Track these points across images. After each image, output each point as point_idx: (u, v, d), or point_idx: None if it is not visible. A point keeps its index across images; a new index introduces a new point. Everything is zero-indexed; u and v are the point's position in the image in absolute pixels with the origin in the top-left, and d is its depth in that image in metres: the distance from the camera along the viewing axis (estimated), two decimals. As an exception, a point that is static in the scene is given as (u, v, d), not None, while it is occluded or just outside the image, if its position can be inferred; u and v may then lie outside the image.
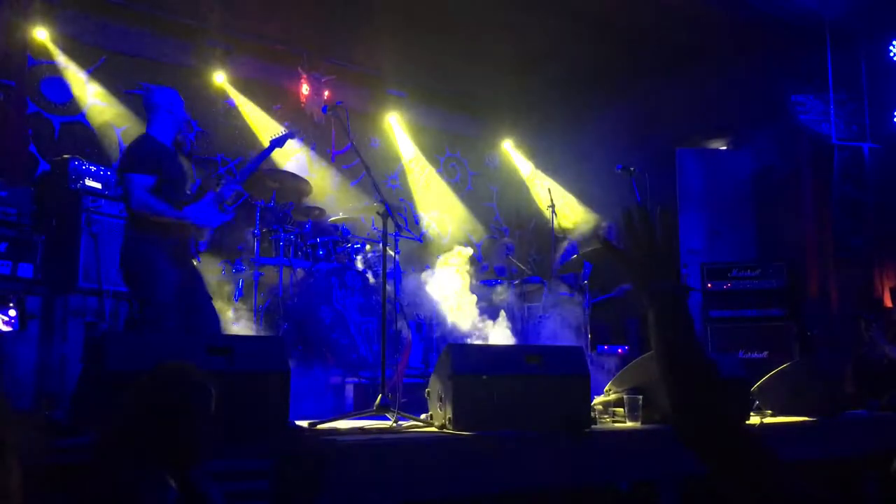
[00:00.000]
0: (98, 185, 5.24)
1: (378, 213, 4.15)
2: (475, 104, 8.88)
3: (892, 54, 7.25)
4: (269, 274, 5.87)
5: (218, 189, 4.39)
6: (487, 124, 9.21)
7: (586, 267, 6.68)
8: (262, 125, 7.46)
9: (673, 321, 1.39)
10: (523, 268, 7.22)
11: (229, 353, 2.73)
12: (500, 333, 6.36)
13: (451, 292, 6.44)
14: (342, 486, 2.59)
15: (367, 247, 6.16)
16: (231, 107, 7.34)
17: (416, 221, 8.68)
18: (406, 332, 6.24)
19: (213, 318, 4.25)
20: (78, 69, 6.47)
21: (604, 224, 7.49)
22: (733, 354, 6.17)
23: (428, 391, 3.31)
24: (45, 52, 6.33)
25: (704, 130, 8.25)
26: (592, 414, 3.56)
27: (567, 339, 6.40)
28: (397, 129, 8.55)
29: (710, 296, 7.03)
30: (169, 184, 4.18)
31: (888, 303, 6.97)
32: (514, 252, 7.46)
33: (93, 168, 5.25)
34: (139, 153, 4.16)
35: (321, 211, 6.52)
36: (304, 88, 7.62)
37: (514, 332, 6.55)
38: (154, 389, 2.02)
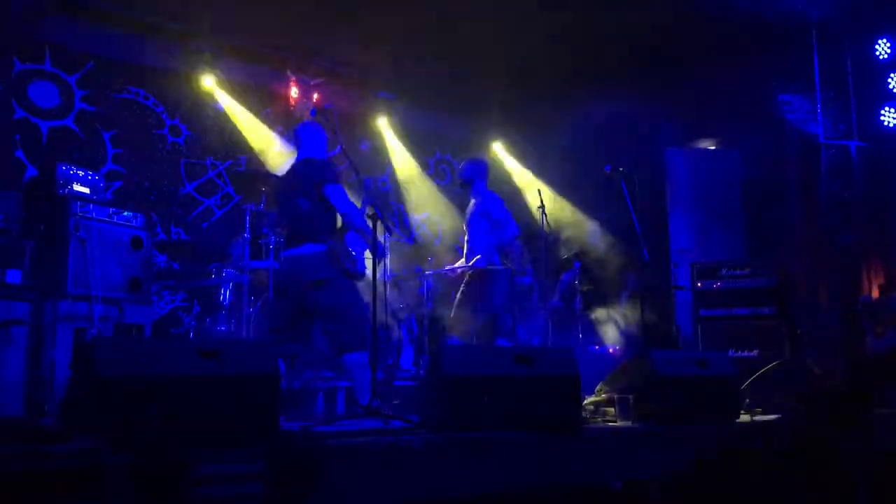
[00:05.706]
0: (86, 190, 5.21)
1: (368, 215, 4.16)
2: (464, 106, 8.88)
3: (877, 53, 7.31)
4: (259, 277, 5.85)
5: None
6: (477, 126, 9.20)
7: (576, 265, 6.69)
8: (252, 128, 7.44)
9: None
10: (513, 268, 7.20)
11: (218, 357, 2.73)
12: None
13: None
14: (334, 489, 2.59)
15: None
16: (220, 110, 7.32)
17: (407, 223, 8.68)
18: (397, 335, 6.24)
19: None
20: (65, 74, 6.44)
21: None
22: (724, 353, 6.18)
23: (419, 393, 3.31)
24: (31, 56, 6.29)
25: (693, 130, 8.28)
26: (584, 414, 3.58)
27: (558, 339, 6.40)
28: (387, 132, 8.54)
29: (701, 295, 7.04)
30: None
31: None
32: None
33: (81, 173, 5.21)
34: None
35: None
36: (293, 91, 7.60)
37: (506, 332, 6.55)
38: None
